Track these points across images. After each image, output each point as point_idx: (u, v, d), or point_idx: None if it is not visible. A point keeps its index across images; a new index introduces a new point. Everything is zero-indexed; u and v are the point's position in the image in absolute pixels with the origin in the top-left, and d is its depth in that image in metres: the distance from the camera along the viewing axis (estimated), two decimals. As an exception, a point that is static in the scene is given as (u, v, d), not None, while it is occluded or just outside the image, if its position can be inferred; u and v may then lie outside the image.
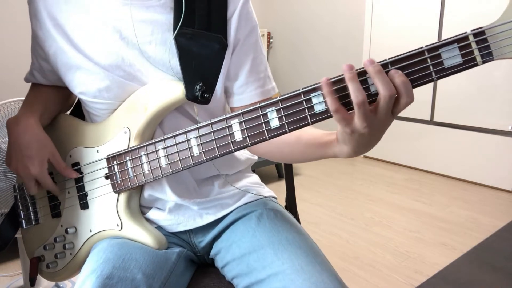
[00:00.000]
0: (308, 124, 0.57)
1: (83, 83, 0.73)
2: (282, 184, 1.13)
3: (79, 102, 0.86)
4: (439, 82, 2.79)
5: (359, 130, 0.52)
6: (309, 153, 0.67)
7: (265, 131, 0.59)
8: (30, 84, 0.86)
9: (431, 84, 2.81)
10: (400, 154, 3.12)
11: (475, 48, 0.49)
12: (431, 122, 2.89)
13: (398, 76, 0.49)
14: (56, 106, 0.83)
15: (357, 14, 3.27)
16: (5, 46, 2.41)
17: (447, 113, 2.79)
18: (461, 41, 0.50)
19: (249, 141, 0.61)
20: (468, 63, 0.50)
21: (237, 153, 0.84)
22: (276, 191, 0.91)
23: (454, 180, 2.80)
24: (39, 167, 0.73)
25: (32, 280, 0.83)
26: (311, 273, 0.64)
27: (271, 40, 4.01)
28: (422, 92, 2.86)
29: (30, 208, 0.83)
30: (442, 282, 1.64)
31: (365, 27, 3.18)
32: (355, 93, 0.50)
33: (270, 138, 0.59)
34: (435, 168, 2.91)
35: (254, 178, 0.89)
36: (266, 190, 0.88)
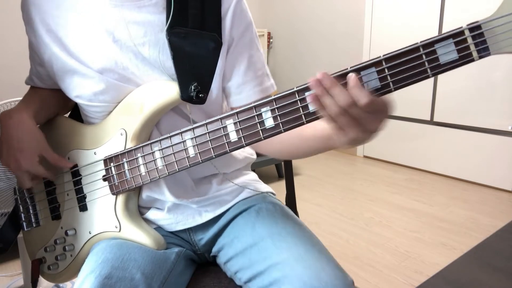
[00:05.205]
0: (303, 124, 0.57)
1: (79, 87, 0.73)
2: (282, 184, 1.13)
3: (78, 105, 0.86)
4: (439, 82, 2.79)
5: (353, 136, 0.54)
6: (311, 147, 0.67)
7: (260, 131, 0.59)
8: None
9: (431, 84, 2.81)
10: (400, 154, 3.12)
11: (471, 43, 0.48)
12: (431, 122, 2.89)
13: (349, 82, 0.51)
14: (53, 107, 0.83)
15: (357, 14, 3.26)
16: (5, 46, 2.41)
17: (447, 113, 2.79)
18: (456, 36, 0.48)
19: (244, 142, 0.61)
20: (464, 58, 0.49)
21: (235, 152, 0.83)
22: (276, 191, 0.91)
23: (454, 180, 2.80)
24: (29, 160, 0.72)
25: (34, 282, 0.83)
26: (310, 261, 0.64)
27: (271, 40, 4.00)
28: (422, 92, 2.86)
29: (31, 210, 0.83)
30: (442, 282, 1.64)
31: (365, 27, 3.18)
32: (328, 103, 0.52)
33: (265, 138, 0.59)
34: (435, 168, 2.91)
35: (252, 175, 0.89)
36: (264, 186, 0.88)
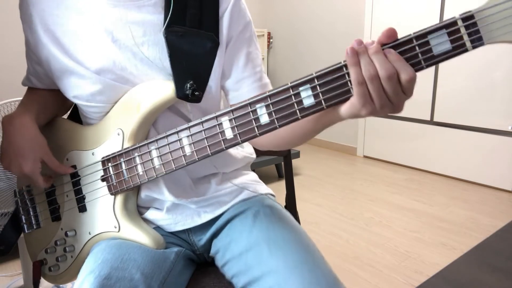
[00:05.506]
0: (298, 119, 0.56)
1: (76, 87, 0.73)
2: (282, 184, 1.13)
3: (76, 106, 0.86)
4: (439, 82, 2.79)
5: (377, 110, 0.51)
6: (309, 129, 0.65)
7: (255, 127, 0.59)
8: None
9: (431, 84, 2.81)
10: (400, 154, 3.12)
11: (464, 33, 0.47)
12: (431, 122, 2.89)
13: (390, 55, 0.49)
14: (52, 108, 0.83)
15: (357, 14, 3.26)
16: (5, 46, 2.41)
17: (447, 113, 2.79)
18: (449, 26, 0.47)
19: (240, 138, 0.61)
20: (458, 49, 0.48)
21: (233, 152, 0.83)
22: (276, 191, 0.91)
23: (454, 180, 2.80)
24: (31, 165, 0.72)
25: (35, 284, 0.83)
26: (304, 271, 0.64)
27: (271, 40, 4.00)
28: (422, 92, 2.86)
29: (31, 212, 0.83)
30: (442, 282, 1.64)
31: (365, 27, 3.19)
32: (366, 66, 0.49)
33: (261, 134, 0.59)
34: (435, 168, 2.91)
35: (252, 175, 0.88)
36: (264, 187, 0.87)
